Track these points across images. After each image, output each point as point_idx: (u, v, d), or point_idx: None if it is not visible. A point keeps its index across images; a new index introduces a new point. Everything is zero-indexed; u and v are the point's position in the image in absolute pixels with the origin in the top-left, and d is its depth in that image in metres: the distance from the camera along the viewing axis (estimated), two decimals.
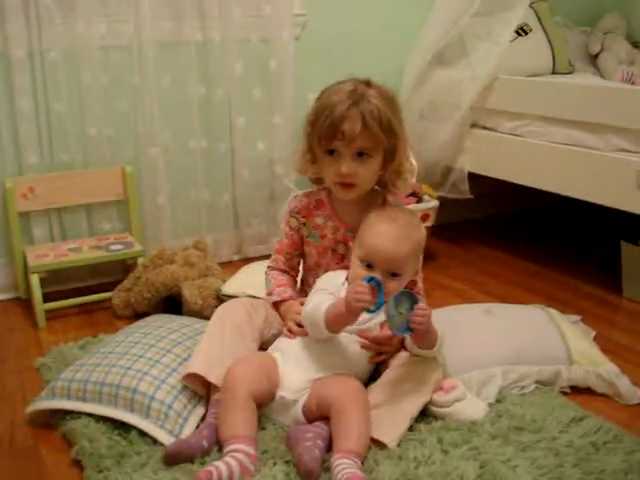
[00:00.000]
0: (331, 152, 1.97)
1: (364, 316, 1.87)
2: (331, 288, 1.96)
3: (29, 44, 2.73)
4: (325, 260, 2.13)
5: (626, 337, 2.48)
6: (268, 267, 2.24)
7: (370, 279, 1.83)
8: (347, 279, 1.99)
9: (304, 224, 2.15)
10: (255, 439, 1.74)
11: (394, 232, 1.90)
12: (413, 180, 2.37)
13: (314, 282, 2.08)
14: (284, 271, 2.20)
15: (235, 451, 1.66)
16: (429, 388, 1.90)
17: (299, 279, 2.26)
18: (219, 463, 1.62)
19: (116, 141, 2.97)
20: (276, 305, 2.12)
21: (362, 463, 1.68)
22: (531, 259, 3.26)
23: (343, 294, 1.88)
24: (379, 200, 2.10)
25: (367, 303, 1.78)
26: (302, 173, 2.15)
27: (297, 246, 2.18)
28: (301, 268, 2.25)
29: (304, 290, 2.20)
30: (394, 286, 1.88)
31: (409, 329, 1.80)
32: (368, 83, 2.00)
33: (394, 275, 1.90)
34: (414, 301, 1.81)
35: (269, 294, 2.15)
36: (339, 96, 1.94)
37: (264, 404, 1.84)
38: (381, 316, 1.89)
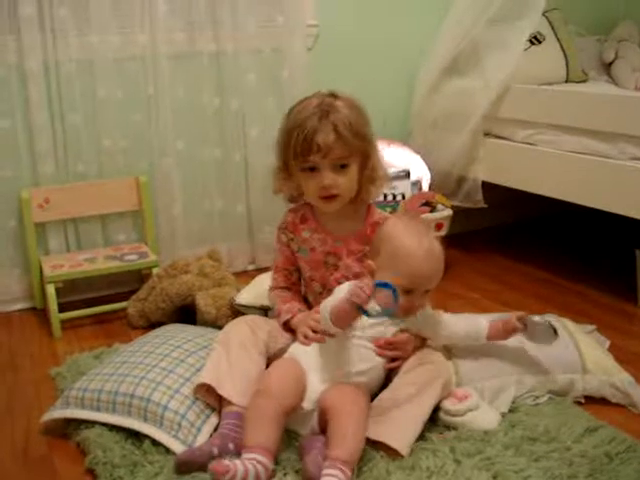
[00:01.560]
0: (310, 169, 1.99)
1: (375, 320, 1.88)
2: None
3: (44, 56, 2.77)
4: (319, 273, 2.15)
5: None
6: (270, 288, 2.26)
7: (385, 285, 1.78)
8: None
9: (292, 239, 2.18)
10: (276, 454, 1.74)
11: (433, 254, 1.90)
12: (384, 190, 2.39)
13: (314, 299, 2.11)
14: (286, 288, 2.23)
15: (256, 460, 1.65)
16: (437, 390, 1.90)
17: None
18: (239, 463, 1.62)
19: (131, 152, 2.99)
20: (287, 323, 2.11)
21: (353, 471, 1.66)
22: (545, 268, 3.25)
23: None
24: (362, 206, 2.13)
25: (362, 301, 1.74)
26: (276, 193, 2.17)
27: (292, 261, 2.21)
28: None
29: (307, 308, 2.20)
30: (422, 302, 1.93)
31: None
32: (333, 95, 2.03)
33: (426, 291, 1.92)
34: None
35: (278, 315, 2.15)
36: (307, 111, 1.98)
37: (289, 415, 1.82)
38: (395, 324, 1.92)
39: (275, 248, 2.24)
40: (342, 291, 1.90)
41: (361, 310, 1.77)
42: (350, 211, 2.10)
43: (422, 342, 2.02)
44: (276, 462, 1.74)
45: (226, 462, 1.61)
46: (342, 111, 1.98)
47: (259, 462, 1.66)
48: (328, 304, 1.86)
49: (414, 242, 1.90)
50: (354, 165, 2.02)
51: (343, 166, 1.99)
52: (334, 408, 1.75)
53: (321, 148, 1.94)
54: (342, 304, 1.81)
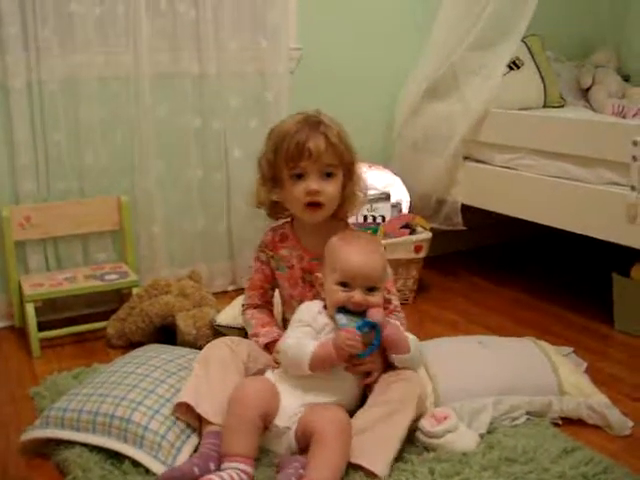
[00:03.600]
0: (298, 176, 2.05)
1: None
2: (308, 319, 2.01)
3: (28, 74, 2.76)
4: (297, 291, 2.19)
5: (617, 369, 2.49)
6: (243, 305, 2.30)
7: (364, 324, 1.89)
8: (324, 307, 2.03)
9: (272, 257, 2.22)
10: (254, 458, 1.78)
11: (362, 249, 1.98)
12: (361, 208, 2.46)
13: (291, 315, 2.12)
14: (261, 306, 2.27)
15: (239, 470, 1.70)
16: (413, 406, 1.91)
17: (278, 315, 2.32)
18: (223, 474, 1.67)
19: (112, 171, 2.99)
20: (266, 346, 2.15)
21: None
22: (524, 290, 3.28)
23: (320, 322, 1.98)
24: (341, 227, 2.17)
25: (358, 350, 1.86)
26: (259, 205, 2.22)
27: (269, 279, 2.26)
28: (279, 304, 2.31)
29: (284, 326, 2.24)
30: (376, 300, 1.96)
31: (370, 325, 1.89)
32: (317, 112, 2.12)
33: (372, 290, 1.95)
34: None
35: (254, 335, 2.19)
36: (294, 123, 2.07)
37: (263, 428, 1.85)
38: None
39: (253, 267, 2.28)
40: (297, 321, 2.01)
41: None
42: (329, 228, 2.12)
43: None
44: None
45: (212, 476, 1.64)
46: (329, 124, 2.07)
47: (242, 471, 1.70)
48: (302, 354, 1.90)
49: (345, 242, 2.01)
50: (340, 175, 2.09)
51: (330, 175, 2.06)
52: (319, 434, 1.75)
53: (312, 154, 2.01)
54: (326, 355, 1.88)
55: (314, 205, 2.07)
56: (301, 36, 3.33)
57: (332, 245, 2.03)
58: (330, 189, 2.06)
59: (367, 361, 1.95)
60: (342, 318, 1.92)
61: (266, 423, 1.85)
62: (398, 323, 2.07)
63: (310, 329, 1.98)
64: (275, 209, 2.21)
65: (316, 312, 2.02)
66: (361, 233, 2.16)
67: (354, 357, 1.90)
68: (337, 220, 2.18)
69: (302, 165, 2.03)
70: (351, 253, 1.96)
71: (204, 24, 3.01)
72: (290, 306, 2.21)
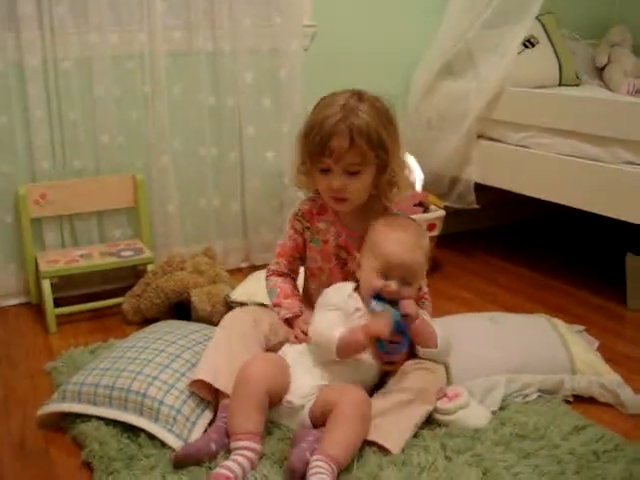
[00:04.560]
0: (323, 170, 2.00)
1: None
2: (338, 302, 1.98)
3: (43, 53, 2.78)
4: (329, 266, 2.14)
5: (630, 347, 2.50)
6: (269, 270, 2.24)
7: (397, 316, 1.87)
8: (356, 290, 2.01)
9: (307, 228, 2.17)
10: (262, 435, 1.80)
11: (409, 241, 1.94)
12: (412, 191, 2.37)
13: (316, 288, 2.12)
14: (285, 274, 2.22)
15: (244, 448, 1.72)
16: (432, 397, 1.93)
17: (300, 286, 2.28)
18: (231, 464, 1.67)
19: (127, 149, 3.01)
20: (286, 321, 2.13)
21: (339, 473, 1.69)
22: (537, 269, 3.29)
23: (351, 306, 1.95)
24: (380, 207, 2.11)
25: (386, 336, 1.83)
26: (298, 187, 2.19)
27: (299, 249, 2.19)
28: (302, 273, 2.27)
29: (307, 299, 2.21)
30: (410, 293, 1.93)
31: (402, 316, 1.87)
32: (360, 96, 2.00)
33: (408, 283, 1.93)
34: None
35: (276, 305, 2.16)
36: (330, 109, 1.96)
37: (272, 404, 1.87)
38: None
39: (286, 233, 2.21)
40: (326, 304, 1.99)
41: (379, 344, 1.85)
42: (368, 208, 2.08)
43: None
44: (271, 453, 1.79)
45: (223, 472, 1.65)
46: (362, 116, 1.94)
47: (249, 448, 1.73)
48: (330, 338, 1.89)
49: (388, 230, 1.96)
50: (368, 171, 1.99)
51: (355, 172, 1.98)
52: (338, 411, 1.76)
53: (334, 153, 1.94)
54: (355, 340, 1.86)
55: (339, 199, 2.03)
56: (315, 13, 3.32)
57: (376, 230, 1.98)
58: (355, 185, 1.99)
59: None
60: (376, 305, 1.88)
61: (274, 398, 1.86)
62: (428, 317, 2.03)
63: (340, 313, 1.95)
64: (312, 191, 2.17)
65: (346, 296, 1.99)
66: (409, 222, 2.06)
67: (382, 353, 1.89)
68: (377, 201, 2.11)
69: (324, 161, 1.97)
70: (396, 244, 1.92)
71: (218, 1, 3.01)
72: (316, 278, 2.18)
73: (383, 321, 1.83)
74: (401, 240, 1.93)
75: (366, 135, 1.93)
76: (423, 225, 3.05)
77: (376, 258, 1.93)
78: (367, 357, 1.94)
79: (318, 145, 1.95)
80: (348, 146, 1.92)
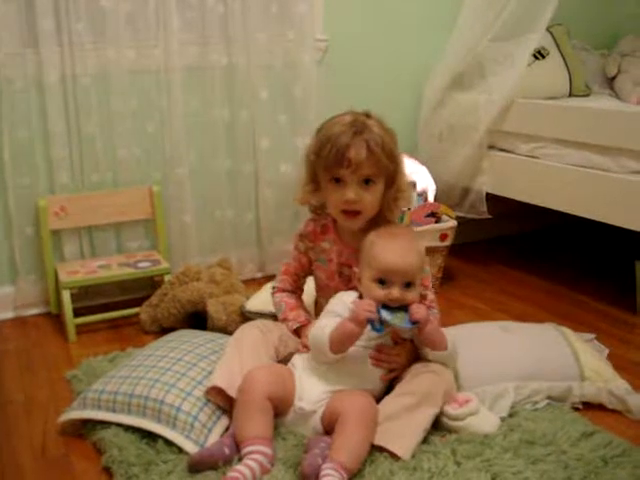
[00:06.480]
0: (337, 180, 2.04)
1: (371, 334, 1.96)
2: (340, 309, 2.02)
3: (62, 68, 2.84)
4: (334, 283, 2.20)
5: (639, 355, 2.52)
6: (274, 288, 2.32)
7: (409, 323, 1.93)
8: (360, 299, 2.04)
9: (312, 248, 2.23)
10: (271, 439, 1.84)
11: (399, 246, 1.98)
12: (409, 206, 2.48)
13: (326, 302, 2.15)
14: (291, 291, 2.29)
15: (254, 452, 1.76)
16: (439, 400, 1.96)
17: (311, 297, 2.35)
18: (242, 467, 1.72)
19: (144, 162, 3.07)
20: (295, 331, 2.20)
21: (350, 479, 1.73)
22: (547, 278, 3.31)
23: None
24: (383, 224, 2.13)
25: (373, 314, 1.88)
26: (302, 203, 2.23)
27: (304, 268, 2.27)
28: (313, 289, 2.33)
29: (318, 311, 2.27)
30: (413, 296, 1.96)
31: (412, 323, 1.92)
32: (367, 115, 2.08)
33: (408, 286, 1.96)
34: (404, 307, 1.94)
35: (284, 319, 2.23)
36: (341, 127, 2.02)
37: (279, 410, 1.92)
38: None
39: (292, 253, 2.28)
40: (329, 312, 2.04)
41: (372, 324, 1.89)
42: (371, 226, 2.11)
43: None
44: (286, 460, 1.83)
45: (233, 474, 1.70)
46: (375, 130, 2.02)
47: (258, 452, 1.77)
48: (322, 337, 1.93)
49: (380, 240, 2.00)
50: (380, 183, 2.05)
51: (369, 182, 2.03)
52: (343, 417, 1.80)
53: (351, 163, 1.98)
54: (344, 328, 1.91)
55: (351, 213, 2.07)
56: (327, 27, 3.36)
57: (368, 242, 2.02)
58: (369, 197, 2.04)
59: (393, 354, 2.00)
60: (387, 315, 1.91)
61: (281, 405, 1.91)
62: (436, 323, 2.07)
63: (339, 319, 1.97)
64: (317, 208, 2.23)
65: (348, 303, 2.02)
66: (398, 228, 2.13)
67: (380, 347, 1.95)
68: (381, 219, 2.14)
69: (341, 172, 2.01)
70: (387, 250, 1.96)
71: (232, 17, 3.06)
72: (326, 293, 2.22)
73: (366, 302, 1.90)
74: (394, 248, 1.97)
75: (381, 145, 2.00)
76: (435, 235, 3.09)
77: (373, 270, 1.97)
78: (372, 368, 1.99)
79: (335, 156, 1.99)
80: (365, 156, 1.98)
